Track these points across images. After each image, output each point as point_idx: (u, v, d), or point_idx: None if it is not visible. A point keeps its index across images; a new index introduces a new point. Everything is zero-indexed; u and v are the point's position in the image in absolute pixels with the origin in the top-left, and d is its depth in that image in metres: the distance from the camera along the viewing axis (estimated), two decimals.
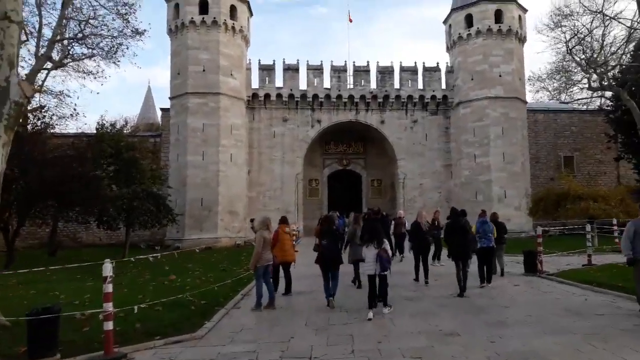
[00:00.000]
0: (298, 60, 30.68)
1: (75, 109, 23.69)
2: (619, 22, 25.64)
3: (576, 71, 37.07)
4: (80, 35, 27.16)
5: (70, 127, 35.23)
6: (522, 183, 28.73)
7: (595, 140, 36.94)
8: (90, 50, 28.36)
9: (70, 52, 26.78)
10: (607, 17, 25.79)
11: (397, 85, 31.20)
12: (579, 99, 41.53)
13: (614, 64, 28.81)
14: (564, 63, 39.37)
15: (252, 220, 13.24)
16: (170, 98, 28.28)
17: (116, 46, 27.53)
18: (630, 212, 18.13)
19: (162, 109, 30.75)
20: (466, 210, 13.96)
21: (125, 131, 23.46)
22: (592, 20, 27.05)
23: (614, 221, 17.89)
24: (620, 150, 34.12)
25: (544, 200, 23.49)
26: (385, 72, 31.24)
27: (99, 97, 67.14)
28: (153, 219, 19.29)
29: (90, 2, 27.38)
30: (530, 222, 28.61)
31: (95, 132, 22.96)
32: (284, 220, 10.37)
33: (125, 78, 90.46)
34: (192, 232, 25.81)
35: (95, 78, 26.74)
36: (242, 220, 27.73)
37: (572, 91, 46.53)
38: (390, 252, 8.50)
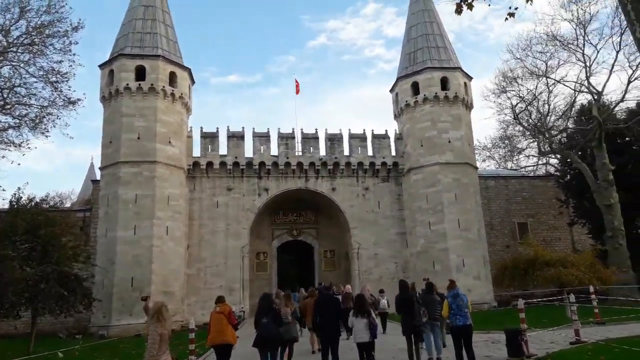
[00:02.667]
0: (243, 127, 29.43)
1: None
2: (564, 84, 25.95)
3: (522, 138, 37.69)
4: (2, 103, 25.06)
5: None
6: (480, 251, 27.45)
7: (547, 205, 36.84)
8: (15, 120, 26.21)
9: None
10: (552, 81, 26.16)
11: (346, 152, 30.23)
12: (525, 167, 42.18)
13: (561, 128, 29.14)
14: (508, 131, 40.13)
15: (145, 299, 10.68)
16: (100, 168, 25.99)
17: (44, 116, 25.55)
18: (603, 278, 16.95)
19: (92, 181, 28.28)
20: (431, 280, 12.88)
21: (45, 205, 20.74)
22: (537, 84, 27.48)
23: (591, 288, 16.37)
24: (573, 215, 33.90)
25: (510, 268, 22.12)
26: (334, 140, 30.30)
27: (40, 174, 63.56)
28: (64, 304, 16.37)
29: (17, 69, 25.63)
30: (491, 293, 27.09)
31: (8, 206, 20.22)
32: (219, 300, 9.92)
33: (71, 154, 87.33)
34: (121, 317, 22.68)
35: (15, 148, 24.42)
36: (178, 301, 24.80)
37: (518, 159, 47.58)
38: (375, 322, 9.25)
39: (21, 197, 19.51)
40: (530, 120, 29.31)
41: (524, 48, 27.45)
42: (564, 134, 32.70)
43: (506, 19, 9.81)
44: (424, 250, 27.65)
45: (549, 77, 26.31)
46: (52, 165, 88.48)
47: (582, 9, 24.72)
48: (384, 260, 28.84)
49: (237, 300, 26.35)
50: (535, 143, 37.71)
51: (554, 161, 40.89)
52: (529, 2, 9.45)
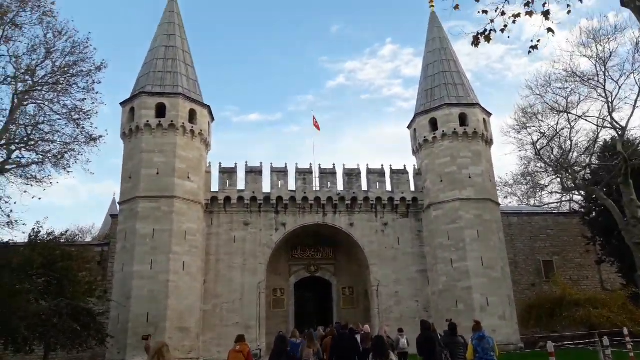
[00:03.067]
0: (261, 163, 29.49)
1: (9, 216, 21.40)
2: (587, 120, 25.46)
3: (544, 174, 36.96)
4: (26, 139, 25.61)
5: (6, 237, 32.25)
6: (505, 290, 26.48)
7: (573, 243, 35.77)
8: (39, 156, 26.73)
9: (13, 158, 25.10)
10: (574, 117, 25.71)
11: (364, 187, 29.95)
12: (549, 203, 41.23)
13: (584, 164, 28.46)
14: (530, 168, 39.48)
15: (146, 338, 10.10)
16: (119, 203, 26.17)
17: (66, 151, 26.01)
18: (636, 320, 15.97)
19: (111, 216, 28.40)
20: (453, 321, 12.26)
21: (64, 240, 20.80)
22: (558, 120, 27.05)
23: (625, 331, 15.26)
24: (601, 253, 32.71)
25: (536, 307, 21.12)
26: (352, 175, 30.11)
27: (64, 209, 64.60)
28: (76, 339, 16.10)
29: (42, 107, 26.29)
30: (517, 333, 25.95)
31: (27, 240, 20.33)
32: (239, 339, 9.86)
33: (94, 190, 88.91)
34: (136, 353, 22.17)
35: (37, 183, 24.76)
36: (194, 338, 24.32)
37: (541, 195, 46.61)
38: None
39: (40, 231, 19.60)
40: (553, 156, 28.70)
41: (543, 84, 27.17)
42: (588, 170, 31.95)
43: (529, 52, 9.63)
44: (446, 289, 26.80)
45: (570, 113, 25.87)
46: (76, 201, 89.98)
47: (601, 45, 24.47)
48: (405, 298, 28.02)
49: (253, 338, 25.68)
50: (558, 179, 36.98)
51: (577, 198, 39.90)
52: (551, 33, 9.29)
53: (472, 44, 10.04)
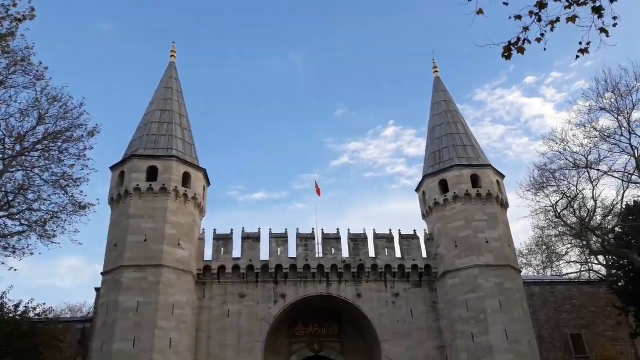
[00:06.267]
0: (259, 228, 27.30)
1: None
2: (612, 176, 23.52)
3: (560, 243, 34.52)
4: (6, 207, 23.90)
5: None
6: None
7: (602, 314, 32.64)
8: (23, 226, 24.89)
9: None
10: (597, 174, 23.83)
11: (372, 254, 27.52)
12: (567, 274, 38.43)
13: (612, 226, 26.22)
14: (545, 237, 37.13)
15: None
16: (102, 274, 23.71)
17: (50, 218, 24.22)
18: None
19: (96, 289, 25.79)
20: None
21: (34, 315, 18.31)
22: (579, 179, 25.17)
23: None
24: (635, 325, 29.50)
25: None
26: (357, 240, 27.77)
27: (65, 290, 61.48)
28: None
29: (28, 174, 24.82)
30: None
31: None
32: None
33: (98, 270, 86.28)
34: None
35: (13, 253, 22.67)
36: None
37: (558, 265, 43.80)
38: None
39: (3, 304, 17.18)
40: (575, 218, 26.51)
41: (561, 141, 25.53)
42: (611, 235, 29.62)
43: (577, 57, 7.93)
44: None
45: (594, 169, 24.02)
46: (79, 282, 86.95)
47: (622, 97, 23.09)
48: None
49: None
50: (577, 247, 34.49)
51: (597, 267, 37.24)
52: (605, 34, 7.59)
53: (502, 56, 8.35)
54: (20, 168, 24.80)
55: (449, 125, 30.73)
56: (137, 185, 24.60)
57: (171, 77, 30.56)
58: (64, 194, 24.81)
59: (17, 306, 17.94)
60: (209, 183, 28.38)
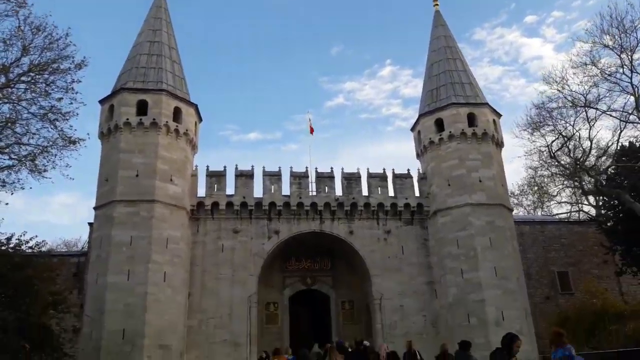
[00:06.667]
0: (253, 166, 27.04)
1: None
2: (610, 115, 23.16)
3: (551, 184, 34.61)
4: None
5: None
6: (521, 303, 23.95)
7: (589, 253, 33.43)
8: (13, 160, 24.56)
9: None
10: (595, 113, 23.44)
11: (365, 192, 27.50)
12: (558, 214, 38.89)
13: (605, 166, 26.16)
14: (537, 177, 37.21)
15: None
16: (94, 209, 23.67)
17: (39, 152, 23.85)
18: None
19: (89, 224, 25.85)
20: (466, 339, 10.50)
21: (27, 248, 18.32)
22: (576, 118, 24.81)
23: None
24: (621, 263, 30.20)
25: (572, 321, 18.45)
26: (351, 179, 27.70)
27: (60, 227, 62.04)
28: (24, 358, 13.58)
29: (15, 107, 24.20)
30: (536, 350, 23.39)
31: None
32: (276, 352, 10.18)
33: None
34: None
35: (3, 187, 22.47)
36: (176, 356, 21.69)
37: (549, 205, 44.25)
38: None
39: None
40: (570, 158, 26.37)
41: (559, 81, 24.87)
42: (604, 176, 29.66)
43: None
44: (456, 302, 24.24)
45: (592, 107, 23.58)
46: (75, 220, 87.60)
47: (626, 34, 22.26)
48: (411, 312, 25.40)
49: (243, 356, 23.16)
50: (568, 188, 34.64)
51: (587, 208, 37.65)
52: None
53: None
54: (6, 101, 24.15)
55: (447, 61, 29.91)
56: (127, 119, 24.09)
57: (160, 7, 29.24)
58: (52, 128, 24.32)
59: (9, 239, 17.93)
60: (200, 119, 27.86)
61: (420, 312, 25.51)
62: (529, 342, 22.92)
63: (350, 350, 13.25)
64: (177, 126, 24.91)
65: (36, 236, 18.86)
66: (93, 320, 20.66)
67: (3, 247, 17.09)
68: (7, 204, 21.65)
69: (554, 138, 26.35)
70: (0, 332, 13.00)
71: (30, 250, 18.86)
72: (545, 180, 33.64)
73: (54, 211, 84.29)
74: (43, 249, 18.87)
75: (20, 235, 18.03)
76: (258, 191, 26.55)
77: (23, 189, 26.58)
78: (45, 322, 15.53)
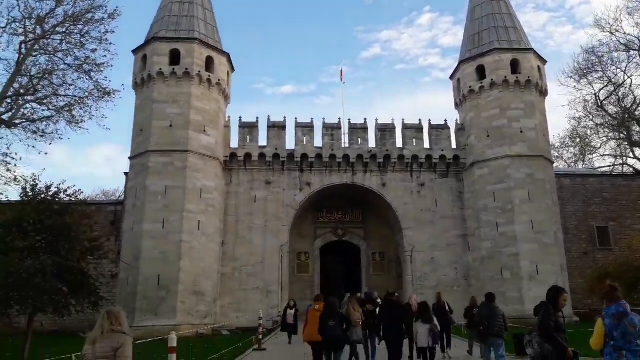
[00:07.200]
0: (285, 117, 26.75)
1: (14, 172, 19.91)
2: None
3: (596, 136, 32.90)
4: (32, 90, 23.89)
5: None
6: (557, 257, 23.39)
7: (632, 208, 32.04)
8: (51, 111, 25.06)
9: (23, 112, 23.50)
10: None
11: (399, 144, 26.90)
12: (599, 167, 37.28)
13: None
14: (579, 129, 35.42)
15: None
16: (130, 158, 24.08)
17: (76, 103, 24.19)
18: None
19: (125, 174, 26.42)
20: (493, 292, 10.99)
21: (66, 196, 18.80)
22: (628, 63, 23.12)
23: None
24: None
25: (612, 276, 17.84)
26: (385, 130, 27.07)
27: (101, 178, 64.06)
28: (60, 302, 14.15)
29: (52, 58, 24.45)
30: (570, 306, 22.97)
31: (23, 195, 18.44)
32: (317, 298, 10.42)
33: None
34: (145, 317, 20.50)
35: (42, 137, 23.06)
36: (210, 302, 22.44)
37: (591, 159, 42.43)
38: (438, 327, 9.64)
39: (36, 185, 17.64)
40: (619, 107, 24.82)
41: (612, 23, 23.04)
42: None
43: None
44: (489, 256, 23.89)
45: None
46: (114, 170, 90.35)
47: None
48: (442, 265, 25.26)
49: (274, 303, 23.75)
50: (613, 140, 32.96)
51: (632, 162, 35.84)
52: None
53: None
54: (43, 52, 24.43)
55: (490, 4, 28.16)
56: (160, 69, 23.99)
57: None
58: (88, 79, 24.61)
59: (48, 188, 18.36)
60: (233, 69, 27.51)
61: (452, 265, 25.32)
62: None
63: (379, 301, 13.26)
64: (209, 76, 24.67)
65: (74, 185, 19.20)
66: (129, 266, 21.42)
67: (42, 195, 17.56)
68: (46, 153, 22.40)
69: (602, 86, 24.77)
70: (39, 276, 13.48)
71: (68, 199, 19.32)
72: (589, 132, 32.08)
73: (95, 163, 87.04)
74: (80, 197, 19.28)
75: (59, 184, 18.46)
76: (290, 143, 26.45)
77: (61, 139, 27.22)
78: (83, 267, 16.02)
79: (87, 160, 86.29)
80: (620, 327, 4.84)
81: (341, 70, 31.27)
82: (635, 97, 23.68)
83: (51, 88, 24.88)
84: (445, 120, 27.83)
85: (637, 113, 23.83)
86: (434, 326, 9.42)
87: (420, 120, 27.53)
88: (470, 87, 26.61)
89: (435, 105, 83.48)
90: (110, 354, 4.26)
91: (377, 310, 12.01)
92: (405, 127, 27.22)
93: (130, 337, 4.51)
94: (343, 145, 26.52)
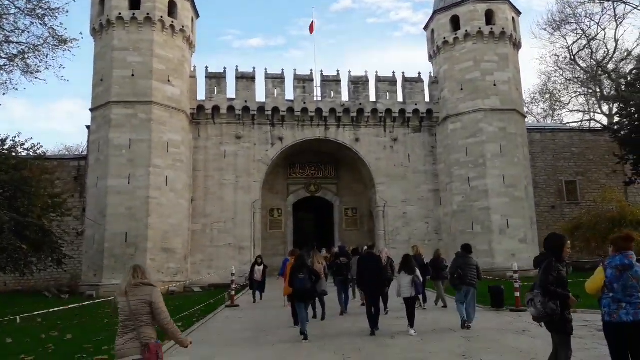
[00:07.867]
0: (254, 68, 25.64)
1: None
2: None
3: (566, 91, 33.07)
4: None
5: None
6: (527, 211, 23.70)
7: (599, 163, 32.59)
8: (4, 59, 23.31)
9: None
10: (630, 7, 21.54)
11: (373, 97, 26.35)
12: (568, 123, 37.69)
13: (629, 69, 24.63)
14: (549, 84, 35.50)
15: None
16: (91, 110, 22.79)
17: (34, 54, 22.49)
18: None
19: (87, 127, 25.05)
20: (469, 244, 10.81)
21: (23, 150, 17.68)
22: (602, 15, 22.90)
23: None
24: (632, 173, 29.57)
25: (585, 228, 18.13)
26: (358, 83, 26.39)
27: (64, 134, 61.00)
28: (20, 260, 13.46)
29: (1, 1, 22.50)
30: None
31: None
32: (292, 253, 11.27)
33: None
34: (113, 275, 19.82)
35: None
36: (180, 259, 21.96)
37: (560, 114, 42.88)
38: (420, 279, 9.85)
39: None
40: (591, 60, 24.76)
41: None
42: (624, 80, 28.11)
43: None
44: (461, 209, 24.03)
45: (622, 2, 21.64)
46: (77, 125, 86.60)
47: None
48: (414, 219, 25.34)
49: (247, 259, 23.39)
50: (582, 96, 33.24)
51: (599, 117, 36.38)
52: None
53: None
54: None
55: None
56: (119, 14, 22.42)
57: None
58: (42, 25, 22.93)
59: (3, 141, 17.28)
60: (197, 15, 26.05)
61: (423, 219, 25.42)
62: (532, 249, 22.96)
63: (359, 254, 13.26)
64: (172, 22, 23.27)
65: (32, 138, 18.10)
66: (95, 223, 20.63)
67: None
68: (0, 104, 20.82)
69: (575, 39, 24.59)
70: None
71: (26, 153, 18.25)
72: (558, 87, 32.16)
73: (57, 119, 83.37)
74: (39, 152, 18.23)
75: (15, 137, 17.34)
76: (260, 95, 25.48)
77: (16, 89, 25.56)
78: (45, 224, 15.23)
79: (49, 116, 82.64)
80: (622, 279, 4.53)
81: (312, 22, 29.75)
82: (608, 50, 23.61)
83: (2, 35, 23.15)
84: (419, 73, 27.33)
85: (609, 67, 23.78)
86: (417, 277, 9.45)
87: (394, 73, 26.96)
88: (444, 38, 26.01)
89: (408, 60, 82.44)
90: (145, 308, 4.40)
91: (350, 263, 12.38)
92: (379, 79, 26.60)
93: (157, 287, 4.68)
94: (315, 99, 25.78)
